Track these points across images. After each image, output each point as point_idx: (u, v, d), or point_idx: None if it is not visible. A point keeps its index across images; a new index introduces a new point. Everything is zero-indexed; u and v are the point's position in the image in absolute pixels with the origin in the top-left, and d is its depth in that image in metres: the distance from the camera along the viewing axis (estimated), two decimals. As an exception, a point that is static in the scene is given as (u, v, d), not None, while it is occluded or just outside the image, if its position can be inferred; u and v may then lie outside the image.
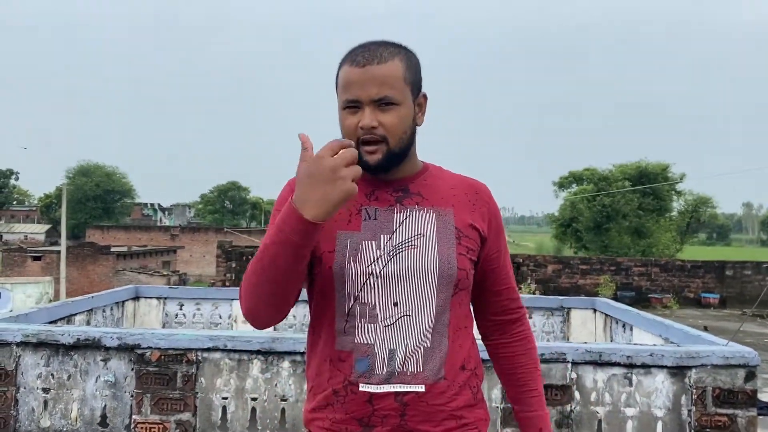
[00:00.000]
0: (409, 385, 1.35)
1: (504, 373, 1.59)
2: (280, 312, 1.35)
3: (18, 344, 3.41)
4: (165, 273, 26.66)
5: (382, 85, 1.35)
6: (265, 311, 1.34)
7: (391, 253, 1.38)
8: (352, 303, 1.38)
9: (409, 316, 1.37)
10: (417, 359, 1.36)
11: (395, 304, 1.37)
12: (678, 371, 3.31)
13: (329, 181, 1.18)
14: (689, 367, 3.30)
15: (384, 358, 1.36)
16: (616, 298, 16.58)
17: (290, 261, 1.25)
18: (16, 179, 74.18)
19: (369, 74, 1.35)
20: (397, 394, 1.35)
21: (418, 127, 1.45)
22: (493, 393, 3.33)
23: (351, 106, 1.37)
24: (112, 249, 28.66)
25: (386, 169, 1.40)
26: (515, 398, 1.58)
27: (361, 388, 1.35)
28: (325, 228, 1.39)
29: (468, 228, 1.44)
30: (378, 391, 1.35)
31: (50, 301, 19.28)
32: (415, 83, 1.42)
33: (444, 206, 1.44)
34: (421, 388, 1.35)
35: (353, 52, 1.40)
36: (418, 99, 1.44)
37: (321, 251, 1.41)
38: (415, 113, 1.43)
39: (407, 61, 1.40)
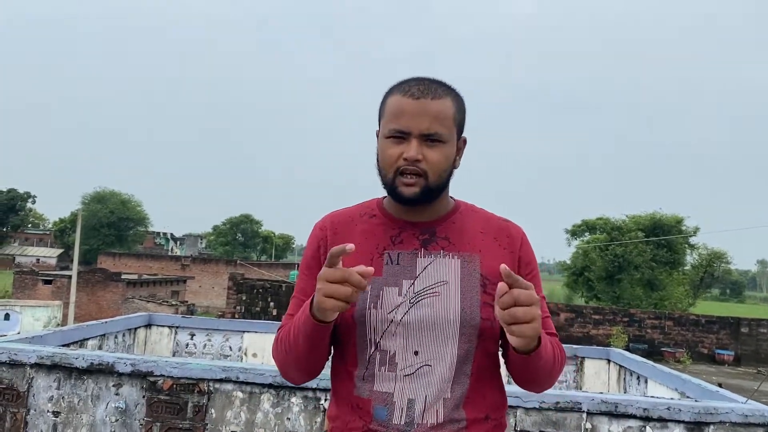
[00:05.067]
0: None
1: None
2: (310, 375, 1.42)
3: (32, 366, 3.42)
4: (173, 303, 26.60)
5: (434, 120, 1.33)
6: (295, 376, 1.43)
7: (412, 300, 1.35)
8: (372, 350, 1.36)
9: (430, 366, 1.34)
10: (437, 410, 1.33)
11: (416, 353, 1.34)
12: (695, 427, 3.25)
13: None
14: (707, 424, 3.23)
15: (403, 408, 1.33)
16: (628, 350, 16.29)
17: (308, 347, 1.32)
18: (33, 202, 75.09)
19: (423, 107, 1.33)
20: None
21: (454, 170, 1.43)
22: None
23: (397, 135, 1.35)
24: (123, 276, 28.75)
25: (418, 203, 1.38)
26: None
27: None
28: None
29: (495, 275, 1.37)
30: None
31: (58, 325, 19.28)
32: (460, 125, 1.41)
33: (471, 252, 1.40)
34: None
35: (406, 83, 1.38)
36: (461, 140, 1.43)
37: None
38: (455, 155, 1.42)
39: (458, 103, 1.40)
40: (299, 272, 1.51)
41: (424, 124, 1.33)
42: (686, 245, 33.95)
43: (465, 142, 1.45)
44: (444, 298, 1.35)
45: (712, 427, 3.22)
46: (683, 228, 33.33)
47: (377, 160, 1.42)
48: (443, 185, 1.40)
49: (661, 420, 3.26)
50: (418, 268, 1.38)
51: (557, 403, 3.25)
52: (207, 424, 3.34)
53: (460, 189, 1.50)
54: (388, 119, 1.37)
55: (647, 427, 3.27)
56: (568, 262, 36.52)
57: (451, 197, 1.48)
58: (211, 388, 3.36)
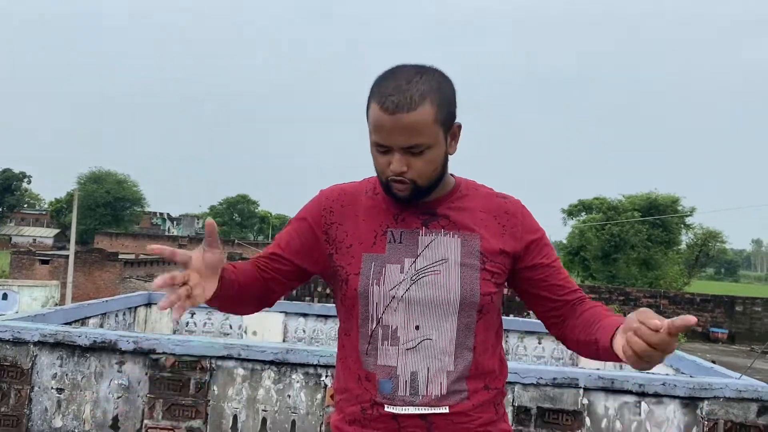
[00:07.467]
0: (433, 408, 1.37)
1: (580, 330, 1.43)
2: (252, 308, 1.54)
3: (35, 344, 3.45)
4: (171, 282, 26.61)
5: (411, 134, 1.31)
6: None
7: (414, 278, 1.39)
8: (375, 325, 1.41)
9: (431, 339, 1.38)
10: (441, 383, 1.38)
11: (417, 328, 1.39)
12: (690, 402, 3.30)
13: None
14: (701, 399, 3.29)
15: (407, 381, 1.38)
16: (622, 329, 16.42)
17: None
18: (29, 182, 74.87)
19: (398, 123, 1.30)
20: (422, 415, 1.37)
21: (450, 155, 1.42)
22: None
23: (380, 149, 1.36)
24: (120, 256, 28.76)
25: (414, 201, 1.42)
26: (594, 335, 1.38)
27: (386, 409, 1.38)
28: (351, 249, 1.45)
29: (495, 254, 1.42)
30: (403, 412, 1.37)
31: (56, 304, 19.34)
32: (447, 119, 1.36)
33: (471, 231, 1.43)
34: (445, 410, 1.37)
35: (383, 89, 1.33)
36: (452, 130, 1.40)
37: (346, 272, 1.44)
38: (448, 145, 1.40)
39: (439, 100, 1.33)
40: (289, 221, 1.56)
41: (401, 139, 1.32)
42: (682, 225, 34.16)
43: (460, 127, 1.42)
44: (444, 275, 1.39)
45: (706, 402, 3.28)
46: (679, 208, 33.49)
47: (374, 164, 1.42)
48: (436, 182, 1.41)
49: (656, 395, 3.31)
50: (420, 247, 1.41)
51: (554, 379, 3.30)
52: (209, 400, 3.39)
53: (455, 168, 1.49)
54: (370, 129, 1.37)
55: (643, 403, 3.33)
56: (565, 241, 36.71)
57: (452, 175, 1.49)
58: (213, 365, 3.40)
